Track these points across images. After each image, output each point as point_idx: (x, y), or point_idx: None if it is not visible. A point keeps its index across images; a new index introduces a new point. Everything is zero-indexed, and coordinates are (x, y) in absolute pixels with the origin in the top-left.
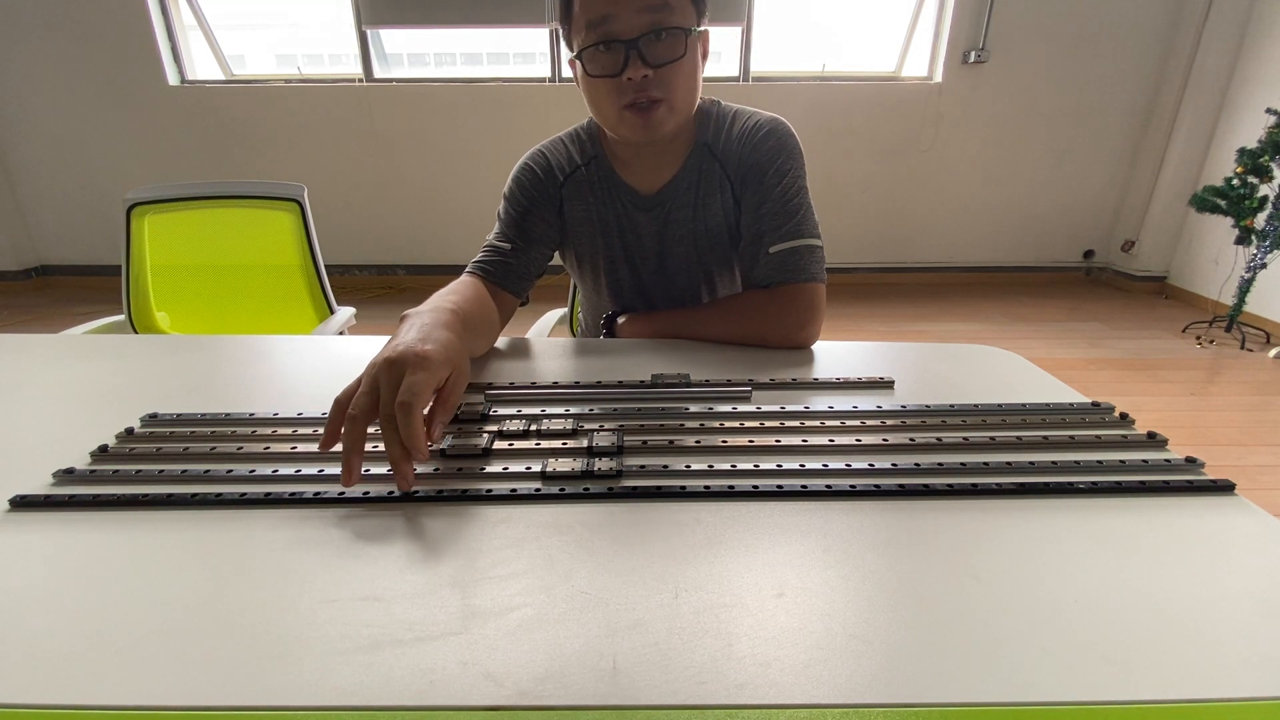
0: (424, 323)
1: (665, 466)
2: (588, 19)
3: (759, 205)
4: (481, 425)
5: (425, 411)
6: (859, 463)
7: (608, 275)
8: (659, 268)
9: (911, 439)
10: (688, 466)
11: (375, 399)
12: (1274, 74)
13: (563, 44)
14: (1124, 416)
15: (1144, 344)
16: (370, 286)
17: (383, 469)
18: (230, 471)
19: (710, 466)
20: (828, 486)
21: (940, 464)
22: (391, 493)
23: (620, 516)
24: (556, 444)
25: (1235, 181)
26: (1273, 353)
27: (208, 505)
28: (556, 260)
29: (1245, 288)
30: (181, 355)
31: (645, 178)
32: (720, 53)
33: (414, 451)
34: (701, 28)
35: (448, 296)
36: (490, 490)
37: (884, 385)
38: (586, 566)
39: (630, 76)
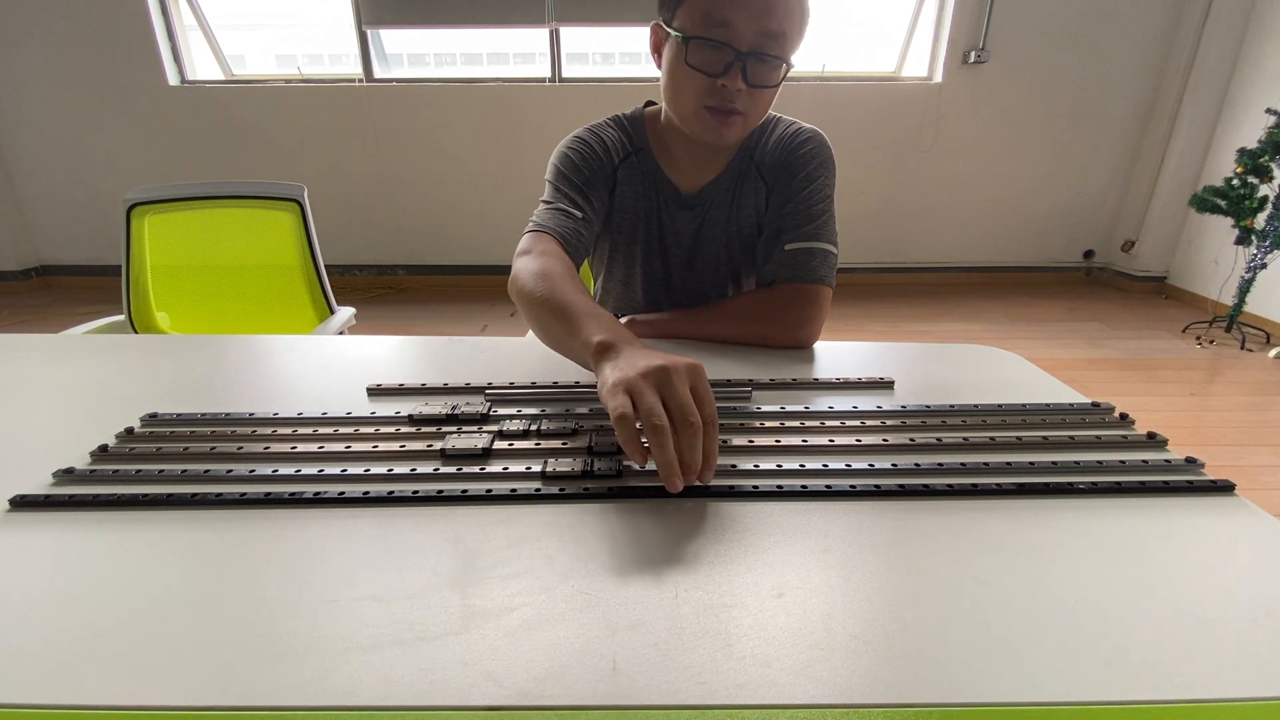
0: (643, 345)
1: None
2: (705, 10)
3: (783, 204)
4: (481, 425)
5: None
6: (859, 463)
7: (643, 266)
8: (688, 264)
9: (911, 439)
10: None
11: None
12: (1274, 74)
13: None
14: (1124, 417)
15: (1144, 344)
16: (370, 286)
17: (382, 469)
18: (230, 471)
19: None
20: (828, 487)
21: (940, 464)
22: (392, 493)
23: (620, 516)
24: (556, 444)
25: (1235, 181)
26: (1273, 353)
27: (208, 505)
28: None
29: (1245, 288)
30: (181, 355)
31: (689, 176)
32: None
33: (711, 461)
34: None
35: (595, 304)
36: (490, 490)
37: (884, 385)
38: (586, 566)
39: (726, 83)
